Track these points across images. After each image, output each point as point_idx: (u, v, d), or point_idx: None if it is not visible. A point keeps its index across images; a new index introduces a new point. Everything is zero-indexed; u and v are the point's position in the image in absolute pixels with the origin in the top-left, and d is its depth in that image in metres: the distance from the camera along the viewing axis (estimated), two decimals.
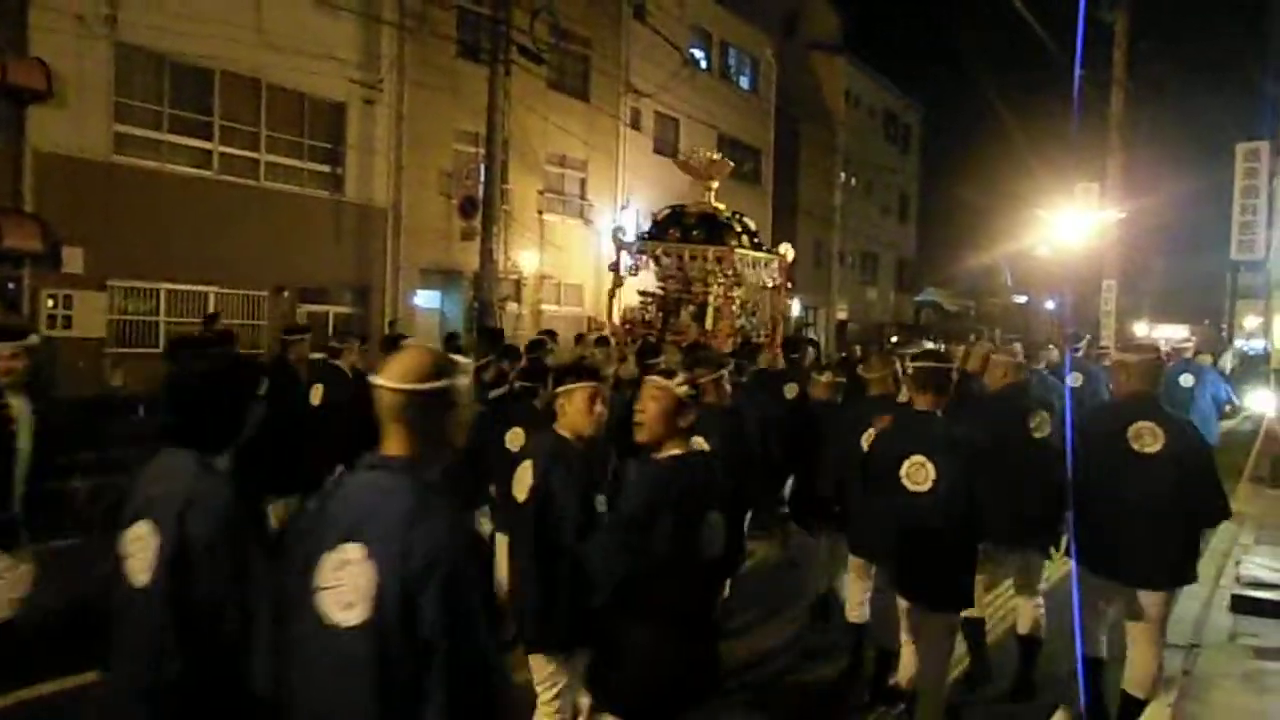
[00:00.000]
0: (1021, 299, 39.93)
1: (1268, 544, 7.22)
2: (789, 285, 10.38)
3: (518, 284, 18.67)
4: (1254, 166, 14.10)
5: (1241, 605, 5.62)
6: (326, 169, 15.39)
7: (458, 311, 17.75)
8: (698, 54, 24.49)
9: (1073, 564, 4.09)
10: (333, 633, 1.71)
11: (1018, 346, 5.41)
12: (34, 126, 11.50)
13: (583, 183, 20.87)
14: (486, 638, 1.71)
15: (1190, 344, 10.49)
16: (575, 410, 3.15)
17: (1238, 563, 6.51)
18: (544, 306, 19.57)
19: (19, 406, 3.96)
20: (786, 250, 9.83)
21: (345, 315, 15.95)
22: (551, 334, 8.60)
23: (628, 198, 21.79)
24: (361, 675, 1.68)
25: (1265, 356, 13.61)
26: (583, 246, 20.79)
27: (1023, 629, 4.73)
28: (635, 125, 22.13)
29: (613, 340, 8.97)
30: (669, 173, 23.43)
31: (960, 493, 3.48)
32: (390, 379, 1.85)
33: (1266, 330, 17.41)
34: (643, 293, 10.40)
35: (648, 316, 9.80)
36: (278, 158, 14.57)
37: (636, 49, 21.37)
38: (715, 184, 10.02)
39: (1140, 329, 33.87)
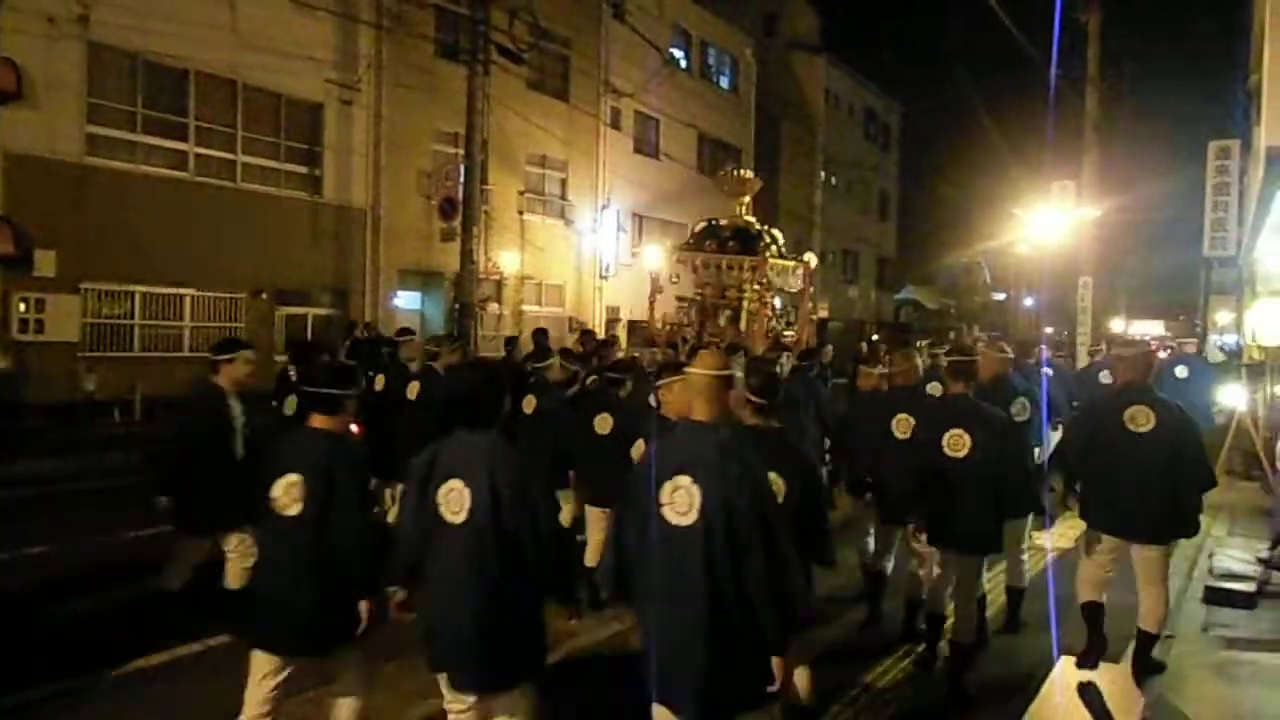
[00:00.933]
0: (1000, 296, 40.26)
1: (1240, 536, 7.34)
2: (811, 289, 11.53)
3: (498, 284, 18.62)
4: (1225, 164, 14.29)
5: (1214, 597, 5.70)
6: (304, 170, 15.28)
7: (438, 313, 17.68)
8: (677, 54, 24.53)
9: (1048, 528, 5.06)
10: (674, 530, 2.69)
11: (1004, 345, 6.12)
12: (4, 128, 11.34)
13: (563, 183, 20.85)
14: (778, 523, 2.70)
15: (1193, 341, 11.43)
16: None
17: (1210, 555, 6.61)
18: (525, 307, 19.54)
19: (236, 408, 4.79)
20: (811, 258, 11.03)
21: (324, 317, 15.84)
22: (544, 331, 8.93)
23: (608, 197, 21.79)
24: (696, 558, 2.64)
25: (1237, 351, 13.81)
26: (564, 247, 20.77)
27: (1010, 581, 5.40)
28: (615, 125, 22.13)
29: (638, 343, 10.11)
30: (649, 172, 23.53)
31: (992, 457, 4.28)
32: (702, 368, 2.85)
33: (1238, 326, 17.66)
34: (680, 298, 11.38)
35: (687, 320, 10.75)
36: (254, 159, 14.45)
37: (616, 49, 21.37)
38: (747, 199, 11.06)
39: (1116, 325, 34.30)
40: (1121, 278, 37.48)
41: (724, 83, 27.35)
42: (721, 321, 10.38)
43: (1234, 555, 6.44)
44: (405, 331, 7.92)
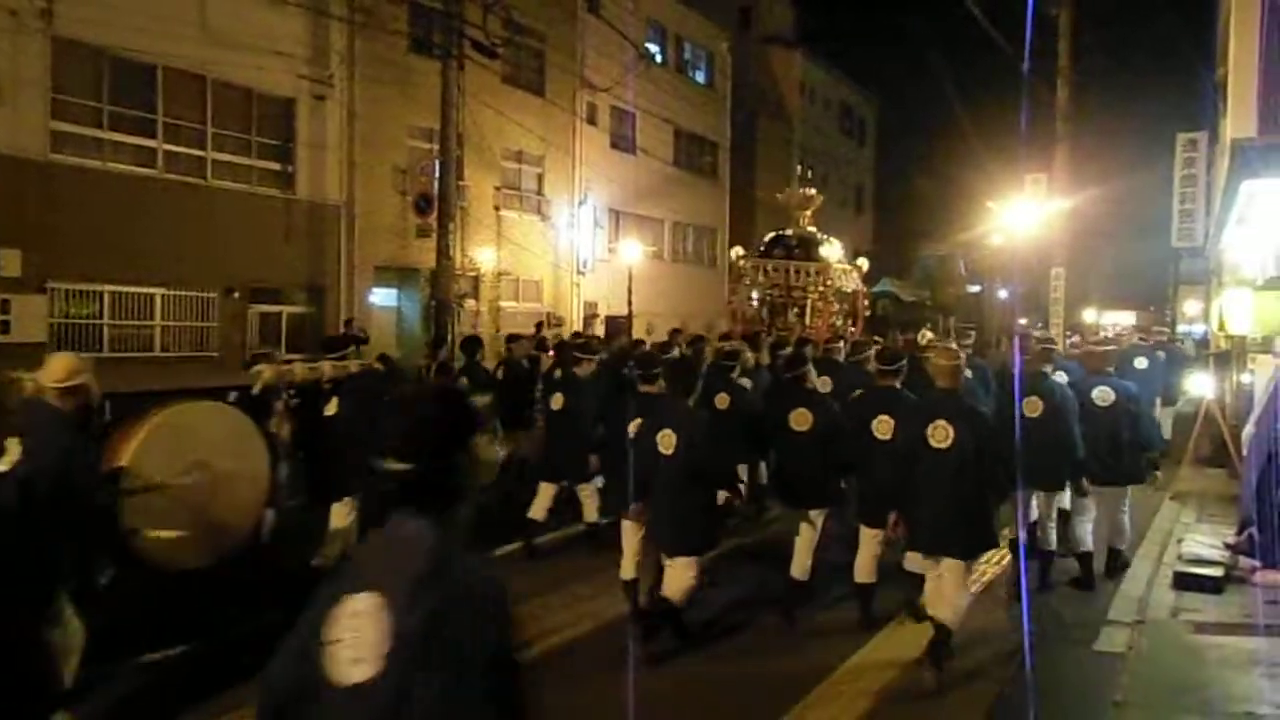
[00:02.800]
0: (976, 288, 40.59)
1: (1208, 523, 7.46)
2: (864, 288, 13.46)
3: (476, 281, 18.51)
4: (1192, 156, 14.51)
5: (1183, 582, 5.80)
6: (276, 167, 15.09)
7: (415, 309, 17.55)
8: (653, 48, 24.46)
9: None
10: (936, 452, 4.53)
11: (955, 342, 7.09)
12: None
13: (539, 178, 20.75)
14: (987, 445, 4.64)
15: (1164, 333, 12.19)
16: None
17: (1180, 541, 6.72)
18: (502, 303, 19.45)
19: (334, 405, 5.73)
20: (864, 263, 12.90)
21: (299, 316, 15.68)
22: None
23: (585, 193, 21.73)
24: (949, 469, 4.50)
25: (1204, 341, 14.04)
26: (541, 242, 20.69)
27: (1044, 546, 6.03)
28: (591, 120, 22.05)
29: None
30: (626, 167, 23.48)
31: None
32: (945, 360, 4.71)
33: (1206, 315, 17.95)
34: (752, 298, 13.02)
35: (762, 315, 12.38)
36: (225, 155, 14.24)
37: (591, 43, 21.29)
38: (808, 212, 12.73)
39: (1089, 316, 34.69)
40: (1094, 269, 37.90)
41: (700, 77, 27.34)
42: (790, 317, 12.02)
43: (1202, 541, 6.55)
44: (517, 336, 9.31)
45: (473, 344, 8.42)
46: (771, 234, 13.23)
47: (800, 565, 5.39)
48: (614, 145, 23.11)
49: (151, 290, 13.28)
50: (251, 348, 14.62)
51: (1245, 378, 9.28)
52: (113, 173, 12.71)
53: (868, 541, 5.24)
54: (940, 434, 4.47)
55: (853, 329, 12.61)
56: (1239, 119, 9.25)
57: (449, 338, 14.26)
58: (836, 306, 12.50)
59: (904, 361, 5.63)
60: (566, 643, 4.87)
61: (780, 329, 11.61)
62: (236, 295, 14.37)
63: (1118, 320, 37.12)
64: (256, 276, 14.72)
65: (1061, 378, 6.36)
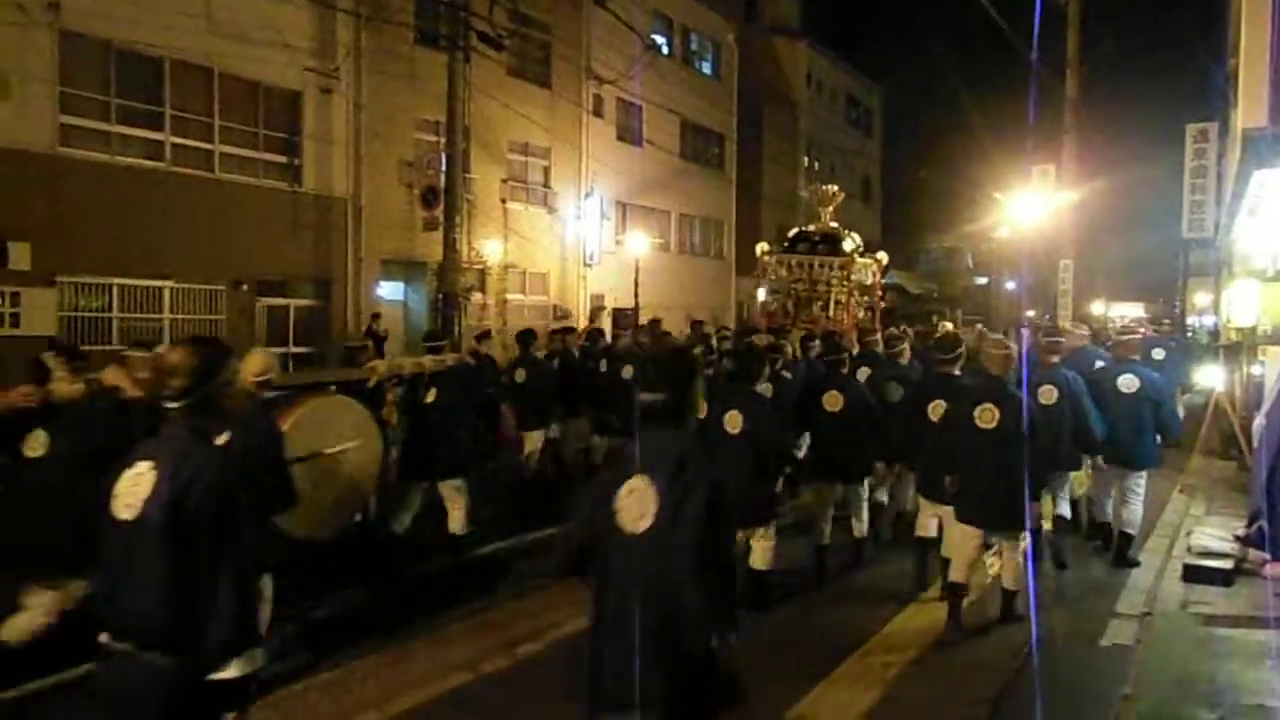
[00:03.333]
0: (983, 280, 40.47)
1: (1218, 515, 7.44)
2: (882, 281, 13.92)
3: (482, 274, 18.52)
4: (1203, 147, 14.40)
5: (1193, 575, 5.79)
6: (283, 160, 15.10)
7: (421, 303, 17.58)
8: (659, 40, 24.39)
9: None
10: (981, 430, 5.02)
11: (980, 327, 7.22)
12: None
13: (546, 171, 20.72)
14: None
15: (1165, 324, 12.15)
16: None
17: (1189, 534, 6.70)
18: (509, 296, 19.46)
19: (433, 393, 6.14)
20: (883, 257, 13.23)
21: (306, 308, 15.72)
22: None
23: (591, 185, 21.70)
24: (997, 445, 4.96)
25: (1215, 333, 13.98)
26: (547, 235, 20.68)
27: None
28: (598, 112, 22.00)
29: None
30: (632, 159, 23.42)
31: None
32: (997, 350, 5.14)
33: (1216, 307, 17.86)
34: (776, 291, 13.52)
35: (788, 308, 12.83)
36: (232, 148, 14.26)
37: (598, 35, 21.21)
38: (831, 208, 13.19)
39: (1097, 308, 34.56)
40: (1101, 260, 37.73)
41: (706, 69, 27.24)
42: (815, 310, 12.36)
43: (1212, 533, 6.53)
44: (622, 325, 10.23)
45: (527, 336, 9.02)
46: (795, 230, 13.69)
47: (858, 528, 6.31)
48: (620, 137, 23.06)
49: (160, 283, 13.32)
50: (259, 341, 14.69)
51: (1256, 369, 9.24)
52: (121, 166, 12.74)
53: (926, 507, 5.79)
54: (987, 416, 4.93)
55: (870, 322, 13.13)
56: (1250, 109, 9.19)
57: (456, 330, 14.28)
58: (857, 299, 13.03)
59: (962, 349, 6.03)
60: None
61: (805, 321, 12.09)
62: (244, 288, 14.41)
63: (1125, 312, 36.97)
64: (264, 270, 14.76)
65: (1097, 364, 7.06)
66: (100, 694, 2.30)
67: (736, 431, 5.10)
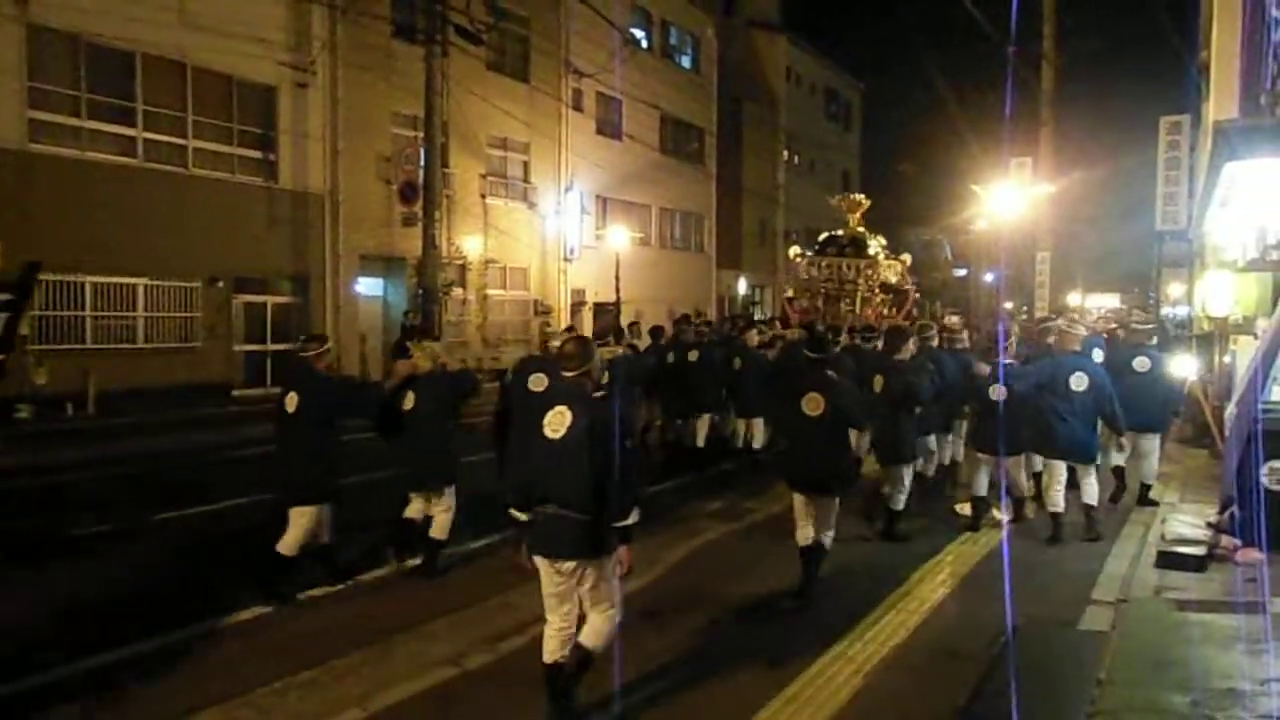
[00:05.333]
0: (961, 272, 40.73)
1: (1191, 502, 7.55)
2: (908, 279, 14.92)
3: (462, 269, 18.44)
4: (1176, 139, 14.57)
5: (1166, 561, 5.86)
6: (258, 155, 14.94)
7: (401, 298, 17.47)
8: (638, 33, 24.33)
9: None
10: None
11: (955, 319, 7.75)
12: None
13: (525, 165, 20.65)
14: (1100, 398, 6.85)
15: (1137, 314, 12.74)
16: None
17: (1163, 521, 6.79)
18: (489, 291, 19.39)
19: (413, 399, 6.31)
20: (907, 258, 14.47)
21: (284, 305, 15.57)
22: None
23: (571, 179, 21.64)
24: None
25: (1188, 322, 14.17)
26: (527, 230, 20.61)
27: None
28: (577, 106, 21.94)
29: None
30: (612, 153, 23.38)
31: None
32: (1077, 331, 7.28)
33: (1189, 297, 18.09)
34: (808, 290, 14.43)
35: (818, 305, 13.73)
36: (206, 144, 14.10)
37: (576, 29, 21.13)
38: (858, 214, 14.26)
39: (1073, 299, 34.89)
40: (1078, 252, 38.06)
41: (685, 63, 27.22)
42: (843, 307, 13.41)
43: (1185, 520, 6.63)
44: (686, 318, 10.98)
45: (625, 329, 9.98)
46: (825, 235, 15.00)
47: (896, 500, 6.85)
48: (600, 131, 23.01)
49: (134, 281, 13.16)
50: (236, 338, 14.54)
51: (1228, 359, 9.38)
52: (92, 162, 12.56)
53: (978, 464, 6.97)
54: (1079, 381, 6.55)
55: (894, 317, 13.97)
56: (1221, 101, 9.30)
57: (435, 327, 14.21)
58: (881, 297, 14.09)
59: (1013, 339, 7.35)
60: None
61: (833, 317, 13.22)
62: (220, 285, 14.26)
63: (1102, 303, 37.35)
64: (240, 266, 14.60)
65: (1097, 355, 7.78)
66: (540, 536, 3.71)
67: (817, 414, 5.51)
